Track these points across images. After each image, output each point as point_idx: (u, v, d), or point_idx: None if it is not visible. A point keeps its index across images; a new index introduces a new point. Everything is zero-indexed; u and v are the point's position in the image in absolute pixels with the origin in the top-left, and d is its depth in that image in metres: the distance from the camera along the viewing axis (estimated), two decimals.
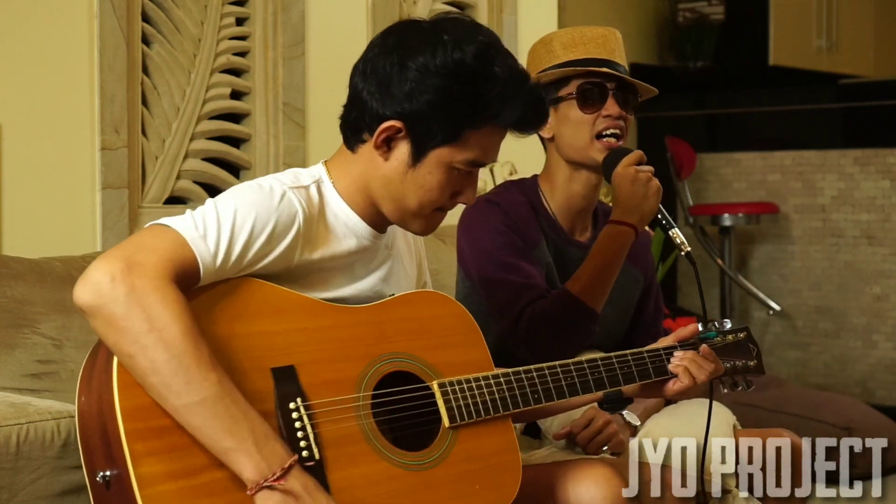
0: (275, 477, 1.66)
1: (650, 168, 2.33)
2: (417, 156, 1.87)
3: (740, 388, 2.20)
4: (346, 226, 1.92)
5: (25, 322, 2.33)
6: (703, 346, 2.13)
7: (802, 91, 5.94)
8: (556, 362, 2.00)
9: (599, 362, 2.05)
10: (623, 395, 2.13)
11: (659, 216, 2.31)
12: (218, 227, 1.75)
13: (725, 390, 2.20)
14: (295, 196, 1.84)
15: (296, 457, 1.69)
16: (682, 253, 2.21)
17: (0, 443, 1.92)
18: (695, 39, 6.14)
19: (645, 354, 2.10)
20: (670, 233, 2.25)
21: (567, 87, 2.40)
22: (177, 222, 1.75)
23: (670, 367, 2.09)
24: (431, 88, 1.82)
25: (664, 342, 2.15)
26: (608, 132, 2.38)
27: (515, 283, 2.32)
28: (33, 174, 2.76)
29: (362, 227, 1.93)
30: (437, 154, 1.87)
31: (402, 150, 1.87)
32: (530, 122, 1.92)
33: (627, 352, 2.09)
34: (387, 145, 1.87)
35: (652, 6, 6.23)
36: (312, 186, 1.90)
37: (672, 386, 2.09)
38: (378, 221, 1.95)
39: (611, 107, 2.38)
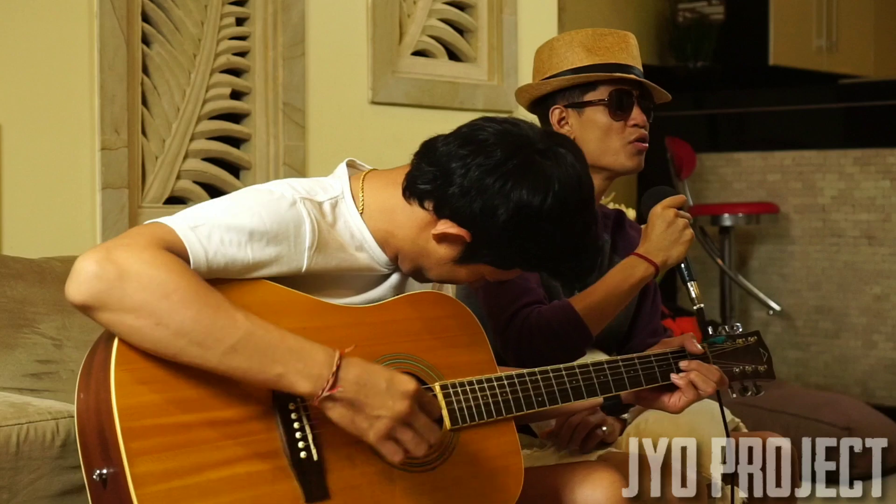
0: (330, 385, 1.66)
1: (688, 215, 2.31)
2: (464, 261, 1.85)
3: (749, 392, 2.19)
4: (363, 247, 1.87)
5: (25, 322, 2.33)
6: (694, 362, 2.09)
7: (802, 91, 5.94)
8: (561, 365, 1.98)
9: (605, 366, 2.02)
10: (622, 402, 2.11)
11: (682, 265, 2.27)
12: (212, 223, 1.70)
13: (734, 395, 2.19)
14: (305, 207, 1.79)
15: (339, 353, 1.68)
16: (694, 308, 2.17)
17: (0, 443, 1.92)
18: (695, 39, 6.15)
19: (652, 358, 2.07)
20: (689, 285, 2.22)
21: (595, 91, 2.38)
22: (168, 218, 1.71)
23: (676, 380, 2.05)
24: (519, 227, 1.78)
25: (671, 346, 2.12)
26: (636, 139, 2.38)
27: (514, 284, 2.31)
28: (33, 174, 2.76)
29: (379, 255, 1.89)
30: (479, 266, 1.86)
31: (454, 248, 1.84)
32: (567, 283, 2.05)
33: (634, 355, 2.07)
34: (443, 237, 1.83)
35: (652, 6, 6.23)
36: (327, 203, 1.85)
37: (678, 402, 2.06)
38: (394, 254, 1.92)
39: (637, 115, 2.37)
